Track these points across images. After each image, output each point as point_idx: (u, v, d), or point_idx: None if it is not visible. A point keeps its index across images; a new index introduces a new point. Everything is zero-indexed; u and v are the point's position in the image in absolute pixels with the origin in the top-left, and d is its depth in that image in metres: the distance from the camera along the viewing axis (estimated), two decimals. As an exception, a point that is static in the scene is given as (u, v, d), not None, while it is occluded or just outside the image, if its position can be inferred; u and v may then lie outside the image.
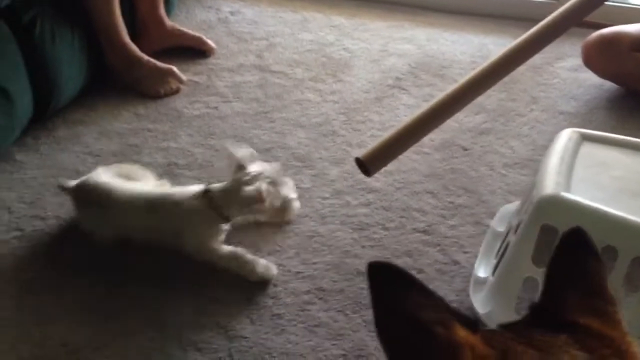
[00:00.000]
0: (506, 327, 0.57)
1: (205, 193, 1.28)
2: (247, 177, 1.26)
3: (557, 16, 1.49)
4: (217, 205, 1.27)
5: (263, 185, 1.25)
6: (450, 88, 1.48)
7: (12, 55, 1.44)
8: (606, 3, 2.30)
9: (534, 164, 1.60)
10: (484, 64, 1.49)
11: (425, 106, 1.43)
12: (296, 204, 1.40)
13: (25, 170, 1.51)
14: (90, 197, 1.30)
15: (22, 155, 1.55)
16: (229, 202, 1.28)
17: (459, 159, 1.62)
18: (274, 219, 1.38)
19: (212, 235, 1.30)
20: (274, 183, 1.28)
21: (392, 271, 0.55)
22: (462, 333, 0.52)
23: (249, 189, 1.25)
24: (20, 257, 1.30)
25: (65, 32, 1.59)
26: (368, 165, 1.26)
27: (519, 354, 0.52)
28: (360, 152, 1.25)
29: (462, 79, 1.48)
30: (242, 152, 1.31)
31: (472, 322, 0.54)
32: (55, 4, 1.58)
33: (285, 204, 1.35)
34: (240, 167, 1.29)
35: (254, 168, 1.28)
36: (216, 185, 1.30)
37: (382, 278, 0.55)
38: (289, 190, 1.37)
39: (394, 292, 0.54)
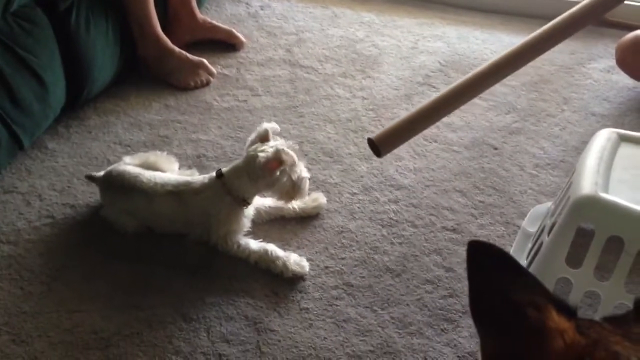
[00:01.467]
0: (607, 319, 0.57)
1: (219, 176, 1.28)
2: (260, 148, 1.25)
3: (576, 10, 1.48)
4: (231, 186, 1.26)
5: (272, 154, 1.23)
6: (464, 77, 1.49)
7: (48, 43, 1.45)
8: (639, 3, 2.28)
9: (565, 165, 1.58)
10: (498, 55, 1.50)
11: (437, 94, 1.45)
12: (307, 184, 1.34)
13: (57, 158, 1.52)
14: (116, 185, 1.30)
15: (53, 144, 1.56)
16: (241, 177, 1.26)
17: (489, 158, 1.60)
18: (285, 198, 1.32)
19: (234, 223, 1.29)
20: (286, 155, 1.25)
21: (492, 251, 0.57)
22: (555, 318, 0.52)
23: (261, 155, 1.23)
24: (51, 244, 1.31)
25: (100, 22, 1.60)
26: (379, 145, 1.29)
27: (612, 344, 0.51)
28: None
29: (477, 69, 1.49)
30: (264, 126, 1.29)
31: (570, 309, 0.54)
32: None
33: (299, 182, 1.30)
34: (254, 142, 1.29)
35: (270, 143, 1.28)
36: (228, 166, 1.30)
37: (480, 256, 0.57)
38: (302, 169, 1.32)
39: (491, 270, 0.56)
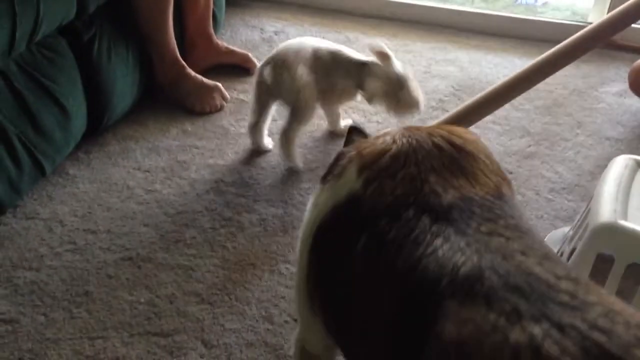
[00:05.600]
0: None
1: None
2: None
3: (584, 33, 1.52)
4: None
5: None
6: (474, 97, 1.53)
7: (71, 72, 1.48)
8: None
9: (581, 189, 1.59)
10: (509, 77, 1.56)
11: (445, 115, 1.49)
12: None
13: (78, 184, 1.54)
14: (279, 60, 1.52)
15: (74, 170, 1.59)
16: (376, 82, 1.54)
17: (505, 183, 1.61)
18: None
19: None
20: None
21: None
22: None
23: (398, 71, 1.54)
24: (73, 270, 1.32)
25: (121, 50, 1.63)
26: None
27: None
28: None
29: (486, 90, 1.53)
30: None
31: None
32: (113, 21, 1.62)
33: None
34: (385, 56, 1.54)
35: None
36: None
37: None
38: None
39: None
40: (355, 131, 0.91)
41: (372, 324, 0.67)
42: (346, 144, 0.88)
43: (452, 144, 0.75)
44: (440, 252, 0.60)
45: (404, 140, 0.76)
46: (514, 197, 0.73)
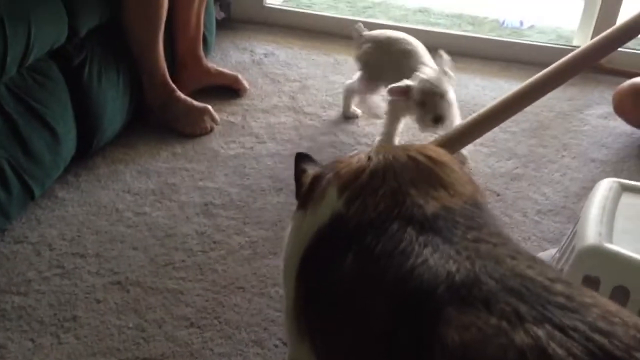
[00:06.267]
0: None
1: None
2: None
3: (571, 57, 1.56)
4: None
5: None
6: (464, 121, 1.56)
7: (61, 96, 1.48)
8: (635, 51, 2.35)
9: (567, 211, 1.61)
10: (497, 100, 1.59)
11: (433, 137, 1.52)
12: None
13: (67, 207, 1.54)
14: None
15: (63, 192, 1.59)
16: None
17: (492, 205, 1.63)
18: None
19: None
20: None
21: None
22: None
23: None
24: (61, 295, 1.32)
25: (111, 74, 1.64)
26: None
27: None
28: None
29: (472, 115, 1.56)
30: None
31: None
32: (104, 44, 1.63)
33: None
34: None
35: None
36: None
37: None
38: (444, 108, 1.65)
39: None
40: (303, 158, 0.93)
41: (363, 342, 0.67)
42: (297, 171, 0.90)
43: (426, 156, 0.77)
44: (431, 261, 0.61)
45: (380, 156, 0.77)
46: (487, 205, 0.75)
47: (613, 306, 0.55)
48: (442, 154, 0.79)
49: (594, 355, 0.49)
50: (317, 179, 0.82)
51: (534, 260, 0.61)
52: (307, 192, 0.83)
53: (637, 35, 1.63)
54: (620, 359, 0.49)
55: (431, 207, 0.69)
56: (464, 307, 0.55)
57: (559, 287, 0.56)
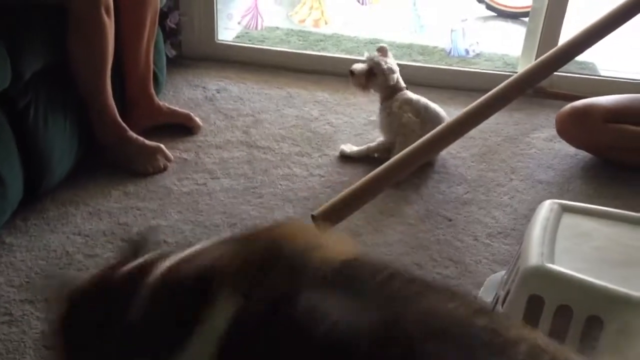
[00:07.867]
0: None
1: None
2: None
3: (509, 82, 1.63)
4: None
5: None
6: (404, 151, 1.60)
7: (6, 140, 1.47)
8: (577, 75, 2.45)
9: (517, 233, 1.64)
10: (437, 128, 1.64)
11: (376, 169, 1.56)
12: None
13: (15, 253, 1.51)
14: None
15: (11, 238, 1.56)
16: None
17: (444, 230, 1.66)
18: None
19: None
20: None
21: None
22: None
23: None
24: (9, 343, 1.28)
25: (58, 115, 1.63)
26: (322, 222, 1.42)
27: None
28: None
29: (415, 143, 1.60)
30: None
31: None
32: (50, 86, 1.62)
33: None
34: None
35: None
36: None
37: None
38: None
39: None
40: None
41: None
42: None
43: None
44: (343, 320, 0.56)
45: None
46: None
47: (541, 339, 0.53)
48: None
49: None
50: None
51: (451, 293, 0.58)
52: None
53: (571, 59, 1.70)
54: None
55: (329, 265, 0.63)
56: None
57: (480, 321, 0.54)
